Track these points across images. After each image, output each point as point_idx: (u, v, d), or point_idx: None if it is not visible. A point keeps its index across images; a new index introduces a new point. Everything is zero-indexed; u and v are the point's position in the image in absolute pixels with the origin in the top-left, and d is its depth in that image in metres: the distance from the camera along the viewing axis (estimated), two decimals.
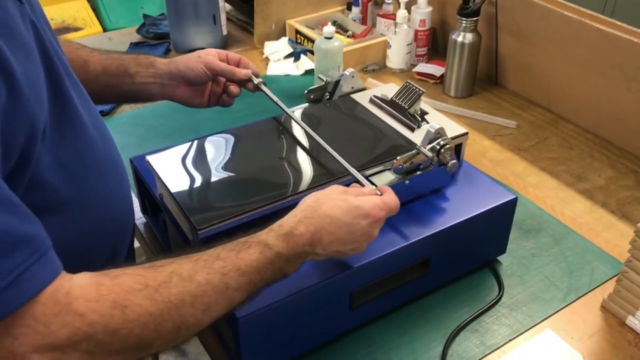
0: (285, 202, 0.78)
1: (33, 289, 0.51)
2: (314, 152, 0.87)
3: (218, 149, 0.88)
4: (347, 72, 1.01)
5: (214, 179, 0.82)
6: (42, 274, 0.52)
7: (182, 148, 0.88)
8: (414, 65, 1.50)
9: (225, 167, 0.84)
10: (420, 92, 0.93)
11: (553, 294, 0.88)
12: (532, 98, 1.37)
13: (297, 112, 0.97)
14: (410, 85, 0.94)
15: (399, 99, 0.94)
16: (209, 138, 0.91)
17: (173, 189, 0.79)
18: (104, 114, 1.29)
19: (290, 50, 1.54)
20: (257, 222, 0.72)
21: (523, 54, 1.35)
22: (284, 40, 1.57)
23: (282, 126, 0.94)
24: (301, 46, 1.55)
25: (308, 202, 0.69)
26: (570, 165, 1.17)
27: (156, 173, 0.83)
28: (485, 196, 0.87)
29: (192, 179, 0.82)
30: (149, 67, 0.90)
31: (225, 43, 1.58)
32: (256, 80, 0.94)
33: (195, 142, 0.90)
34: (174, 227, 0.82)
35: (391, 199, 0.71)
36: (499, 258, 0.94)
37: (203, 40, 1.55)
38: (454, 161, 0.84)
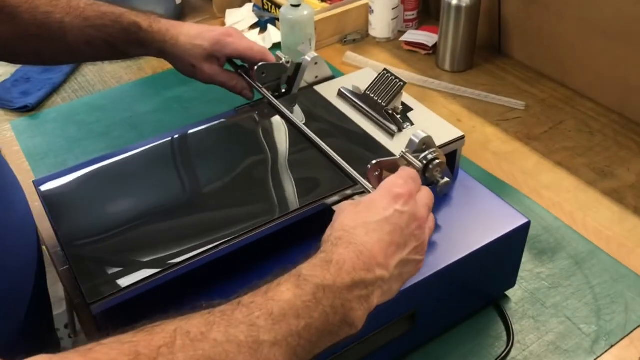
0: (233, 244, 0.58)
1: None
2: (276, 170, 0.66)
3: (145, 167, 0.68)
4: (308, 58, 0.79)
5: (131, 217, 0.61)
6: None
7: (93, 169, 0.68)
8: (402, 33, 1.27)
9: (151, 197, 0.64)
10: (401, 84, 0.71)
11: (577, 341, 0.69)
12: (543, 70, 1.14)
13: (244, 113, 0.75)
14: (389, 75, 0.72)
15: (374, 93, 0.72)
16: (133, 151, 0.70)
17: (64, 237, 0.59)
18: (29, 109, 1.08)
19: (256, 19, 1.31)
20: (192, 281, 0.52)
21: (532, 17, 1.12)
22: (249, 7, 1.34)
23: (232, 129, 0.73)
24: (269, 14, 1.32)
25: (328, 234, 0.53)
26: (591, 156, 0.96)
27: (47, 211, 0.62)
28: (490, 221, 0.66)
29: (99, 218, 0.61)
30: (139, 47, 0.81)
31: (179, 13, 1.35)
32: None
33: (115, 158, 0.69)
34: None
35: (402, 170, 0.57)
36: (507, 292, 0.74)
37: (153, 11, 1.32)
38: (446, 180, 0.63)
